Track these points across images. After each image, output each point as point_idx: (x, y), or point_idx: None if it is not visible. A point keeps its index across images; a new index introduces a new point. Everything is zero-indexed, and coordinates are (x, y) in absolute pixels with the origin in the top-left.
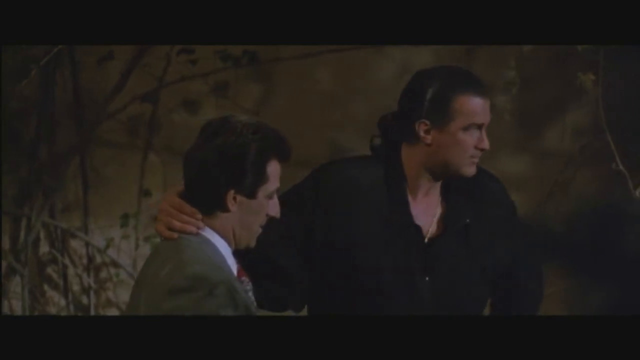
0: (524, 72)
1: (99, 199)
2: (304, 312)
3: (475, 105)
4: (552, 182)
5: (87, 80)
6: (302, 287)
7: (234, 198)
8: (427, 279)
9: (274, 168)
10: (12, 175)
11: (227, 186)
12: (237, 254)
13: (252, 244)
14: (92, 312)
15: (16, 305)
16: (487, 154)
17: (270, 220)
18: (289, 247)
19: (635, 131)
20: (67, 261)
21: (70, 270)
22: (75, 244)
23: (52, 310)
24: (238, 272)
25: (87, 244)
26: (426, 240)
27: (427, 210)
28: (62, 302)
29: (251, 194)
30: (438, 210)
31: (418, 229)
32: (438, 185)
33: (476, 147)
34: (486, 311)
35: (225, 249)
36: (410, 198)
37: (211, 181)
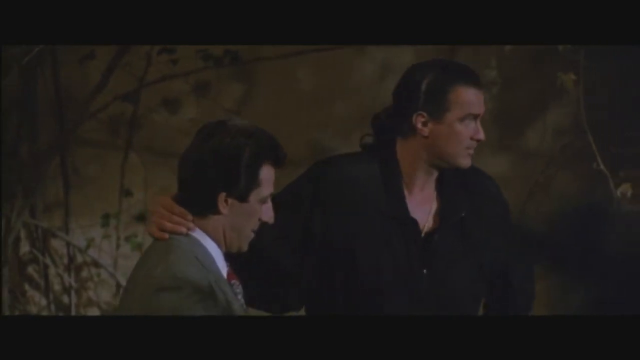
0: (505, 71)
1: (80, 198)
2: (302, 312)
3: (471, 96)
4: (533, 182)
5: (68, 80)
6: (300, 287)
7: (226, 200)
8: (424, 271)
9: (267, 173)
10: None
11: (219, 188)
12: (230, 256)
13: (244, 247)
14: (73, 312)
15: None
16: None
17: (264, 224)
18: (286, 247)
19: (616, 131)
20: (48, 261)
21: (51, 270)
22: (56, 244)
23: (33, 310)
24: (228, 274)
25: (68, 244)
26: (423, 234)
27: (423, 205)
28: (43, 301)
29: (243, 198)
30: (434, 205)
31: (415, 222)
32: (433, 180)
33: (472, 138)
34: (480, 311)
35: (215, 251)
36: (406, 193)
37: (204, 182)
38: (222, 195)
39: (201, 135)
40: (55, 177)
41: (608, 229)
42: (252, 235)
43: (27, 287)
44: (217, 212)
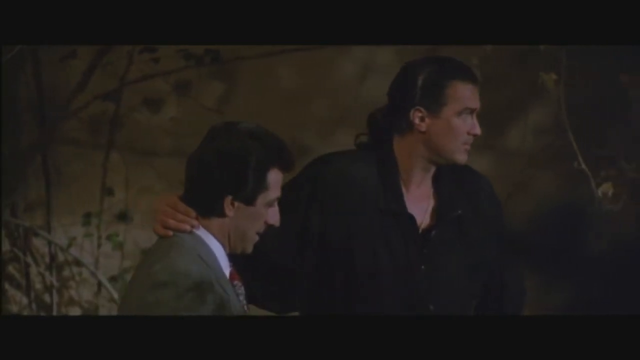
0: (486, 71)
1: (62, 197)
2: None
3: (468, 90)
4: (514, 181)
5: (50, 78)
6: (300, 285)
7: (232, 204)
8: (422, 267)
9: (275, 177)
10: None
11: (225, 191)
12: (232, 256)
13: (248, 249)
14: (55, 311)
15: None
16: None
17: (269, 227)
18: (285, 245)
19: (598, 130)
20: (29, 260)
21: (33, 269)
22: (37, 243)
23: (14, 309)
24: (231, 275)
25: (49, 243)
26: (420, 231)
27: (419, 202)
28: (24, 300)
29: (250, 201)
30: (430, 202)
31: (412, 219)
32: (429, 177)
33: (469, 133)
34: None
35: (219, 251)
36: (403, 190)
37: (210, 185)
38: (229, 198)
39: (210, 137)
40: (37, 176)
41: (589, 228)
42: (257, 237)
43: (7, 286)
44: (222, 214)
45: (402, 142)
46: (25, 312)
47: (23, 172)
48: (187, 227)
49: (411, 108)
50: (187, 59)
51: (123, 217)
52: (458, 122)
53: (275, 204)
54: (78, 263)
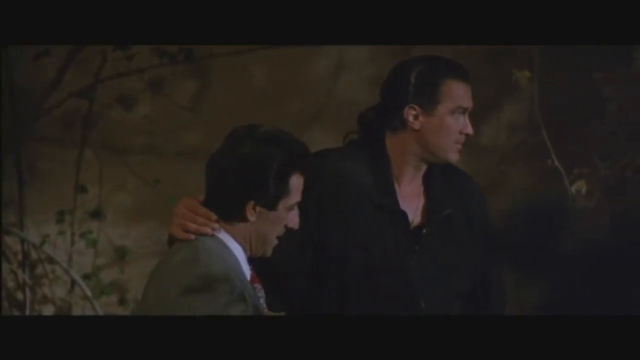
0: None
1: (35, 194)
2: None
3: (461, 89)
4: (487, 178)
5: (23, 76)
6: (300, 285)
7: (254, 208)
8: (412, 264)
9: (297, 181)
10: None
11: (247, 196)
12: (250, 260)
13: (268, 253)
14: (28, 309)
15: None
16: None
17: (288, 230)
18: (283, 244)
19: (571, 127)
20: (1, 257)
21: (5, 267)
22: (10, 240)
23: None
24: (251, 278)
25: (22, 240)
26: (411, 228)
27: (410, 200)
28: None
29: (272, 206)
30: (421, 201)
31: (405, 215)
32: (420, 175)
33: (461, 132)
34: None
35: (240, 254)
36: (396, 186)
37: (232, 190)
38: (251, 203)
39: (231, 142)
40: (9, 173)
41: (563, 225)
42: (276, 241)
43: None
44: (244, 219)
45: (394, 140)
46: None
47: None
48: (209, 230)
49: (405, 106)
50: (160, 57)
51: (96, 214)
52: (451, 121)
53: (296, 207)
54: (51, 260)
